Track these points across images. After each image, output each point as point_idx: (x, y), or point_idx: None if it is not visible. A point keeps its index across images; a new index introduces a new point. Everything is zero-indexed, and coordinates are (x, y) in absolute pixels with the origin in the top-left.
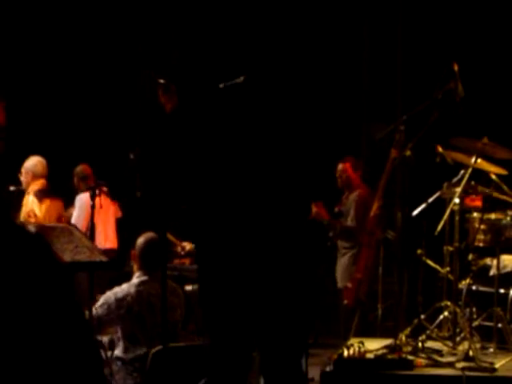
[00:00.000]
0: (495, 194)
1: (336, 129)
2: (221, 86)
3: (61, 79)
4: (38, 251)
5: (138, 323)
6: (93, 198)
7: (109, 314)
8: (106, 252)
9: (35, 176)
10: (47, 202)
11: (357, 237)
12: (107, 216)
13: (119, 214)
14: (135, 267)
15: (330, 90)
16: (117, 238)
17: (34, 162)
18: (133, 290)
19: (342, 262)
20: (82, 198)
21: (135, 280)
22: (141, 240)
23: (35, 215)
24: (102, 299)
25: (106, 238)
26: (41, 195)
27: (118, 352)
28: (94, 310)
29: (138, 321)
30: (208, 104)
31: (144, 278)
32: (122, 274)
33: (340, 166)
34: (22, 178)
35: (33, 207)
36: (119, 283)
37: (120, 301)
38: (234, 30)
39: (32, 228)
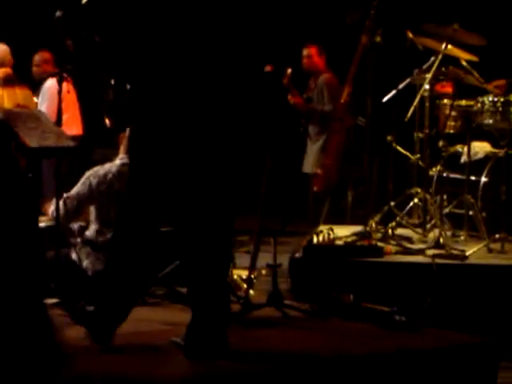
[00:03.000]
0: (466, 80)
1: (307, 15)
2: None
3: None
4: None
5: (116, 202)
6: (60, 82)
7: (91, 191)
8: (72, 139)
9: None
10: (7, 91)
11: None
12: (73, 101)
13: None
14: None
15: None
16: (82, 125)
17: None
18: (114, 169)
19: (314, 149)
20: (51, 88)
21: (118, 161)
22: None
23: None
24: (83, 178)
25: (73, 123)
26: (2, 84)
27: (88, 234)
28: (75, 188)
29: (117, 199)
30: None
31: (127, 160)
32: (87, 162)
33: (305, 51)
34: None
35: None
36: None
37: (102, 177)
38: None
39: None
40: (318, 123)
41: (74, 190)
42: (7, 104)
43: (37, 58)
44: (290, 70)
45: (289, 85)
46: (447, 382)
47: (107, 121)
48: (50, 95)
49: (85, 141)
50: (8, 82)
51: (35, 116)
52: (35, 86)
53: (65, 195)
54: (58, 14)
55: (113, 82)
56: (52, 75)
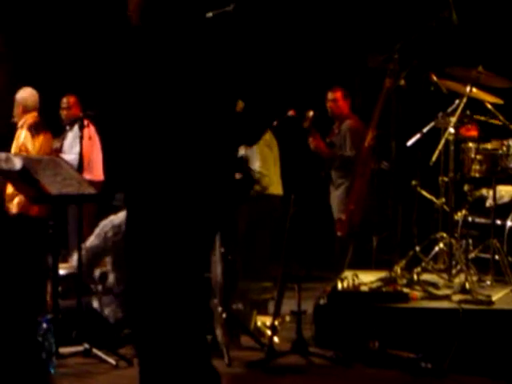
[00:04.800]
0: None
1: (330, 60)
2: (209, 14)
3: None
4: None
5: None
6: (81, 128)
7: (106, 242)
8: (93, 184)
9: (26, 109)
10: (41, 136)
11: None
12: (95, 147)
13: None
14: None
15: (326, 20)
16: (103, 170)
17: (24, 95)
18: None
19: (338, 194)
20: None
21: None
22: None
23: (27, 150)
24: (98, 228)
25: (95, 170)
26: (35, 129)
27: (108, 284)
28: (89, 240)
29: None
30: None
31: None
32: (109, 208)
33: (330, 95)
34: (14, 110)
35: (25, 142)
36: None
37: (116, 227)
38: None
39: (18, 160)
40: (340, 168)
41: (90, 242)
42: (36, 150)
43: (65, 100)
44: (311, 113)
45: (310, 128)
46: None
47: None
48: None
49: (107, 186)
50: (38, 127)
51: (55, 162)
52: (61, 129)
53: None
54: None
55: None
56: (75, 121)
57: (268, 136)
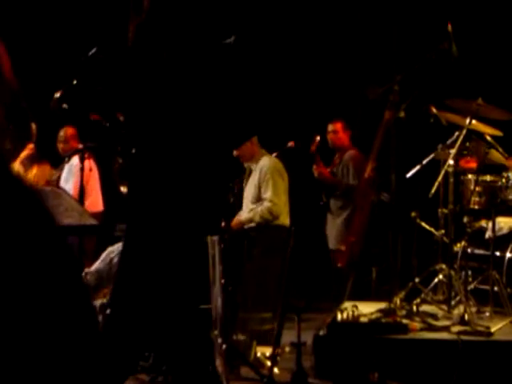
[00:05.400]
0: (490, 156)
1: (330, 91)
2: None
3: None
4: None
5: None
6: (81, 160)
7: (110, 267)
8: (94, 216)
9: None
10: (34, 169)
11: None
12: (96, 179)
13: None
14: None
15: (326, 53)
16: (103, 201)
17: None
18: None
19: (337, 224)
20: (78, 164)
21: None
22: None
23: None
24: (103, 254)
25: (96, 201)
26: (28, 162)
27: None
28: (94, 264)
29: None
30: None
31: None
32: (110, 239)
33: (331, 127)
34: None
35: None
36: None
37: None
38: None
39: None
40: (340, 197)
41: (95, 266)
42: (35, 181)
43: (62, 133)
44: (318, 138)
45: (316, 153)
46: None
47: (122, 188)
48: (77, 171)
49: (106, 217)
50: (32, 159)
51: (57, 193)
52: (58, 162)
53: (85, 270)
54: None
55: (119, 148)
56: (75, 152)
57: (280, 166)
